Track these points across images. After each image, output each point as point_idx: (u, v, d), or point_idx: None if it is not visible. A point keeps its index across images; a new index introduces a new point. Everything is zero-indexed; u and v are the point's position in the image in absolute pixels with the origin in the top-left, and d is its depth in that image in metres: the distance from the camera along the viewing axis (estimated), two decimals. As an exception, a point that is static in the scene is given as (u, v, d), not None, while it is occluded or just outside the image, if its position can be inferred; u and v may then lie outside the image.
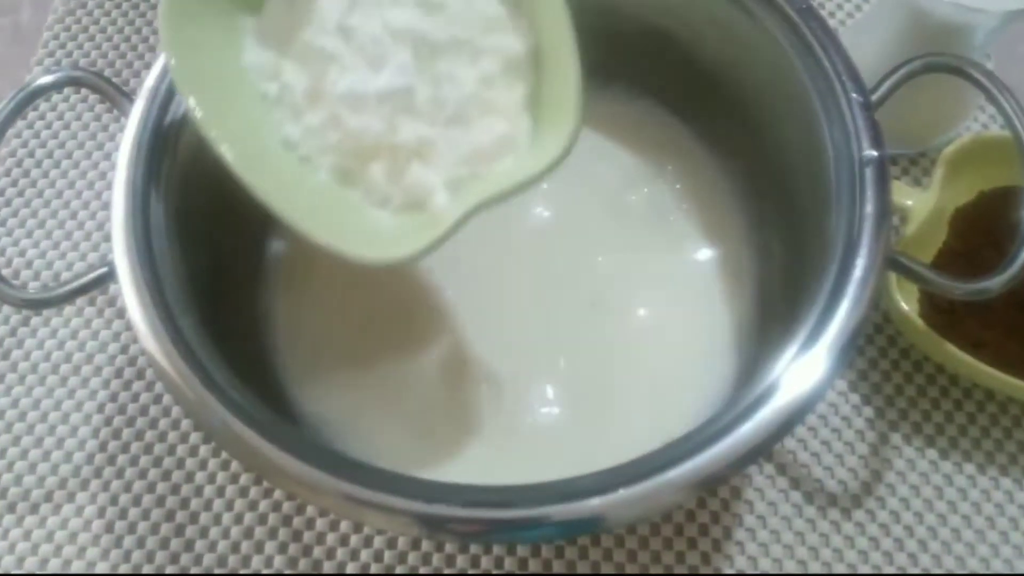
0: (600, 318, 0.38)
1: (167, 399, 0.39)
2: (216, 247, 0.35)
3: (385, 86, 0.28)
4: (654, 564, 0.36)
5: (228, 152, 0.27)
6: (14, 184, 0.44)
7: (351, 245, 0.27)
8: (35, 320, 0.41)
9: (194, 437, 0.39)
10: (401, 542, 0.37)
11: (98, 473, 0.38)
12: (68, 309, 0.41)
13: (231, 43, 0.29)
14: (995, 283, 0.30)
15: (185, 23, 0.28)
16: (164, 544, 0.36)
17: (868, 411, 0.40)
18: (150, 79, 0.32)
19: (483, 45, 0.28)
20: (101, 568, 0.36)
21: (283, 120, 0.29)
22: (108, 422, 0.39)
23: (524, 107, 0.29)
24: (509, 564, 0.36)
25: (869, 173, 0.31)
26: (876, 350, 0.41)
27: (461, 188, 0.28)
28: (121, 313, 0.41)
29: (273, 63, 0.29)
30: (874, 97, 0.32)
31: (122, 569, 0.36)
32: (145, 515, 0.37)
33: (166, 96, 0.32)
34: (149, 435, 0.39)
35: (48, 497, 0.37)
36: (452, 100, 0.28)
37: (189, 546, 0.36)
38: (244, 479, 0.38)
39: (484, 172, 0.28)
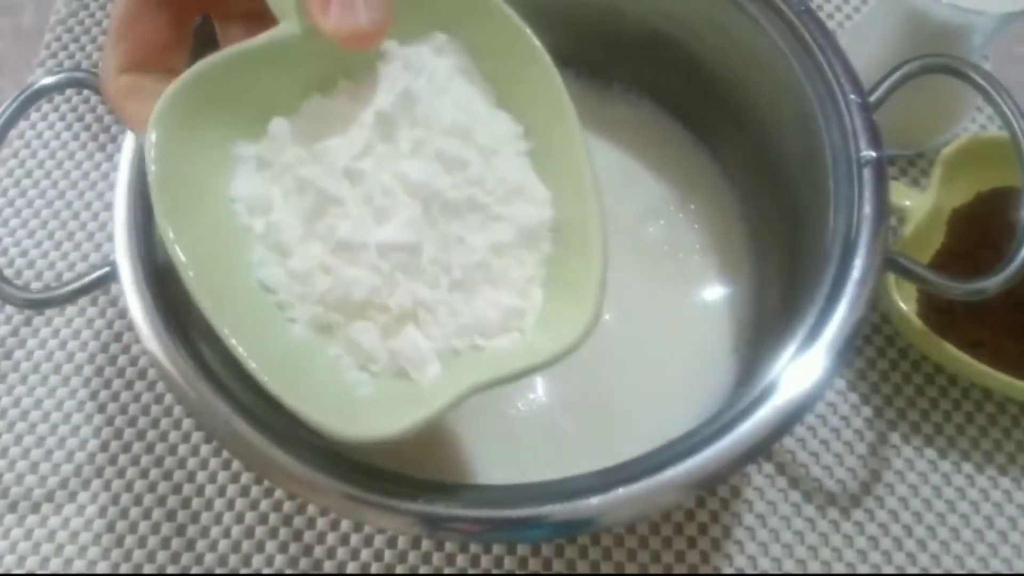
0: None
1: (169, 399, 0.39)
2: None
3: (389, 239, 0.25)
4: (653, 563, 0.36)
5: (198, 286, 0.24)
6: (17, 184, 0.45)
7: (323, 414, 0.23)
8: (37, 320, 0.41)
9: (196, 436, 0.39)
10: (401, 541, 0.37)
11: (100, 472, 0.38)
12: (70, 309, 0.42)
13: (222, 168, 0.26)
14: (992, 283, 0.30)
15: (181, 128, 0.25)
16: (165, 543, 0.37)
17: (867, 410, 0.40)
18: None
19: (499, 212, 0.26)
20: (102, 567, 0.36)
21: (265, 261, 0.26)
22: (110, 422, 0.39)
23: (536, 283, 0.26)
24: (509, 563, 0.36)
25: (867, 174, 0.31)
26: (874, 350, 0.41)
27: (456, 362, 0.25)
28: (123, 313, 0.41)
29: (264, 197, 0.26)
30: (872, 98, 0.33)
31: (123, 568, 0.36)
32: (146, 514, 0.37)
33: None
34: (151, 435, 0.39)
35: (50, 496, 0.38)
36: (458, 265, 0.25)
37: (190, 545, 0.36)
38: (245, 478, 0.38)
39: (483, 347, 0.25)
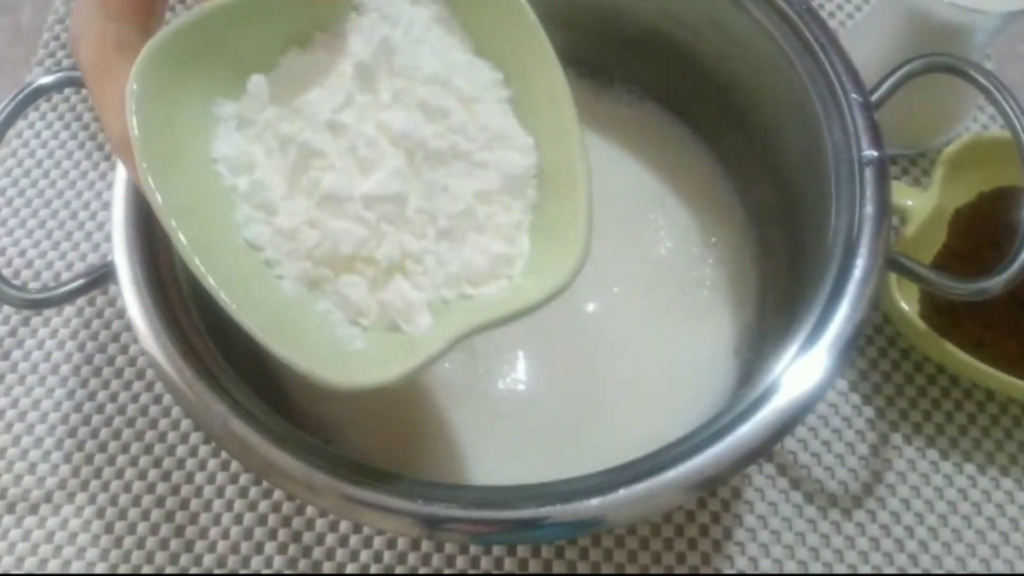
0: (597, 322, 0.39)
1: (167, 400, 0.39)
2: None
3: (374, 190, 0.25)
4: (655, 565, 0.36)
5: (189, 248, 0.23)
6: (15, 184, 0.44)
7: (316, 364, 0.24)
8: (35, 320, 0.41)
9: (194, 437, 0.39)
10: (401, 543, 0.37)
11: (98, 474, 0.38)
12: (68, 309, 0.41)
13: (203, 128, 0.26)
14: (995, 283, 0.30)
15: (161, 88, 0.24)
16: (163, 545, 0.36)
17: (869, 411, 0.40)
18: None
19: (483, 159, 0.26)
20: (100, 569, 0.36)
21: (251, 219, 0.25)
22: (108, 423, 0.39)
23: (522, 228, 0.26)
24: (509, 565, 0.36)
25: (869, 173, 0.31)
26: (876, 350, 0.41)
27: (446, 310, 0.25)
28: (121, 313, 0.41)
29: (247, 156, 0.26)
30: (874, 97, 0.32)
31: (122, 569, 0.36)
32: (144, 516, 0.37)
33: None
34: (149, 435, 0.39)
35: (48, 498, 0.37)
36: (444, 213, 0.25)
37: (189, 547, 0.36)
38: (244, 480, 0.38)
39: (472, 295, 0.26)
